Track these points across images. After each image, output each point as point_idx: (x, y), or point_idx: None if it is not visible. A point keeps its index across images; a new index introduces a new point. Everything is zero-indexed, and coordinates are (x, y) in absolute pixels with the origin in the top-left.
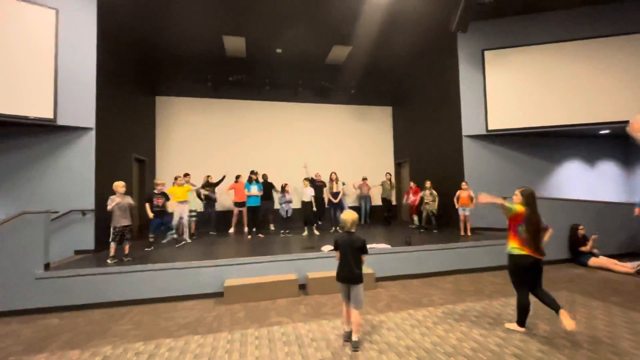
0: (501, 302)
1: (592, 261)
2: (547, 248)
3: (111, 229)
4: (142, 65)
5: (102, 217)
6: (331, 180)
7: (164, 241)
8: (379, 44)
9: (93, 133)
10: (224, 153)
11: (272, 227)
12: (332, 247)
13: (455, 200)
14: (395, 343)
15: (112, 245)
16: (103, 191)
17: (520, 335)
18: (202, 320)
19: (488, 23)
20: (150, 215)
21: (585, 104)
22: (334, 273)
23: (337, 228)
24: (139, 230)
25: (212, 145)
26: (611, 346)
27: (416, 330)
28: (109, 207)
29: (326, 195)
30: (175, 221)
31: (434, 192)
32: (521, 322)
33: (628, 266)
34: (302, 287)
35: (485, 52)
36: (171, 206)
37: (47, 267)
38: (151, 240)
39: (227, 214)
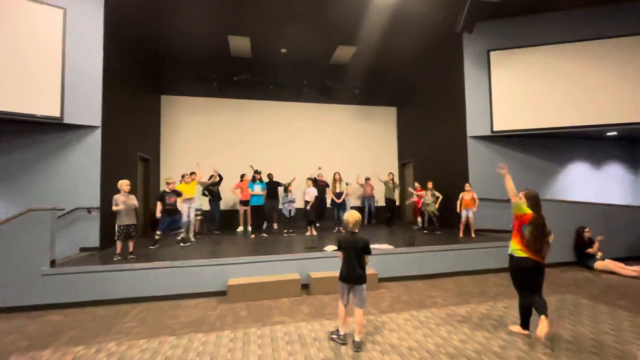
0: (505, 304)
1: (598, 264)
2: (552, 251)
3: (116, 227)
4: (147, 65)
5: (108, 214)
6: (335, 180)
7: (179, 238)
8: (384, 44)
9: (99, 131)
10: (229, 152)
11: (275, 226)
12: (335, 247)
13: (458, 202)
14: (398, 344)
15: (118, 243)
16: (108, 189)
17: (524, 338)
18: (205, 318)
19: (494, 23)
20: (159, 214)
21: (592, 105)
22: (336, 273)
23: (341, 228)
24: (143, 229)
25: (216, 145)
26: (617, 350)
27: (419, 331)
28: (114, 208)
29: (329, 196)
30: (184, 220)
31: (436, 193)
32: (525, 324)
33: (634, 270)
34: (305, 287)
35: (491, 53)
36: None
37: (53, 263)
38: (157, 237)
39: (230, 213)
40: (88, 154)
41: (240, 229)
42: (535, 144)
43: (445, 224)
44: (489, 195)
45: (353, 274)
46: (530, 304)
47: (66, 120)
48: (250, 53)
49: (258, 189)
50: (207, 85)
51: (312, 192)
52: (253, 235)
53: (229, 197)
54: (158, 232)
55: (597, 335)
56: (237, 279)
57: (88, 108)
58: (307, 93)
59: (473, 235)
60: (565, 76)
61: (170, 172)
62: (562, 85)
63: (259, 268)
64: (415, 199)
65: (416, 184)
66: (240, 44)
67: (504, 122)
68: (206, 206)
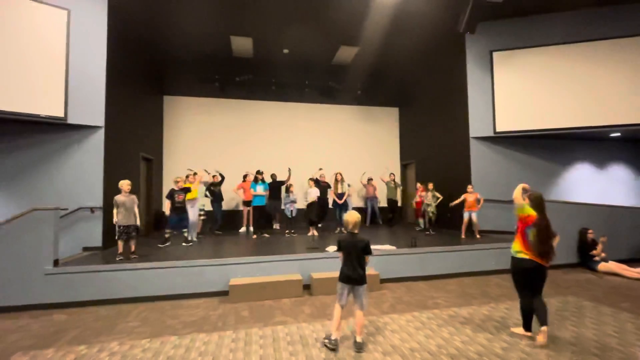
0: (507, 305)
1: (602, 266)
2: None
3: (116, 227)
4: (150, 65)
5: (110, 214)
6: (336, 181)
7: (185, 236)
8: (386, 45)
9: (102, 131)
10: (231, 152)
11: (277, 226)
12: (337, 248)
13: (457, 201)
14: (400, 345)
15: (119, 243)
16: (111, 189)
17: (527, 340)
18: (207, 318)
19: (496, 24)
20: (167, 212)
21: (596, 106)
22: (337, 274)
23: (343, 229)
24: (146, 228)
25: (218, 145)
26: (621, 352)
27: (421, 332)
28: (114, 221)
29: (331, 196)
30: (191, 220)
31: (437, 194)
32: (527, 326)
33: (638, 271)
34: (307, 288)
35: (494, 53)
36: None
37: (56, 263)
38: (167, 236)
39: (232, 213)
40: (91, 154)
41: (243, 229)
42: (538, 145)
43: (447, 225)
44: (490, 196)
45: (354, 275)
46: (532, 306)
47: (70, 121)
48: (252, 54)
49: (260, 190)
50: (209, 85)
51: (314, 193)
52: (255, 236)
53: (231, 197)
54: (167, 231)
55: (600, 337)
56: (239, 279)
57: (91, 108)
58: (309, 94)
59: (478, 236)
60: (568, 77)
61: (173, 172)
62: (565, 86)
63: (261, 268)
64: (418, 199)
65: (418, 185)
66: (242, 44)
67: (506, 123)
68: (208, 206)
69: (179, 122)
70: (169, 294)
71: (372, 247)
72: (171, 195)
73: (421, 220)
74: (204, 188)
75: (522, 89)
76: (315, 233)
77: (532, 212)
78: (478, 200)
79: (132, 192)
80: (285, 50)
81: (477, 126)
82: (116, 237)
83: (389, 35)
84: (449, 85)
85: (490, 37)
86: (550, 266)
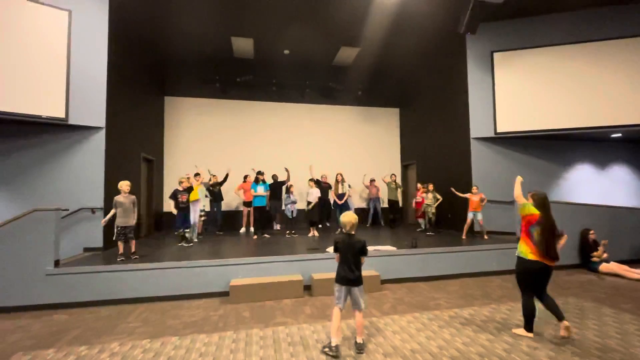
0: (509, 306)
1: (603, 267)
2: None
3: (114, 228)
4: (151, 66)
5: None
6: (337, 181)
7: (188, 236)
8: (387, 46)
9: (103, 132)
10: (231, 153)
11: (278, 227)
12: (333, 249)
13: (461, 194)
14: (401, 346)
15: (119, 243)
16: (112, 190)
17: (528, 341)
18: (208, 319)
19: (497, 24)
20: (175, 211)
21: (597, 106)
22: None
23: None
24: (147, 228)
25: (219, 146)
26: (622, 354)
27: (422, 333)
28: (102, 221)
29: (332, 197)
30: (193, 221)
31: (437, 195)
32: (529, 327)
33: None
34: (307, 288)
35: (495, 54)
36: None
37: (57, 263)
38: (182, 235)
39: (233, 214)
40: (92, 155)
41: (243, 230)
42: (539, 146)
43: (448, 226)
44: (491, 197)
45: (351, 276)
46: (534, 309)
47: (71, 121)
48: (253, 54)
49: (261, 190)
50: (210, 86)
51: (315, 193)
52: (255, 236)
53: (232, 198)
54: (185, 230)
55: (601, 338)
56: (240, 280)
57: (92, 109)
58: (309, 94)
59: (485, 237)
60: (569, 77)
61: (174, 173)
62: (566, 86)
63: (262, 269)
64: (419, 199)
65: (418, 185)
66: (243, 45)
67: (507, 124)
68: (208, 207)
69: (179, 122)
70: (170, 294)
71: (373, 247)
72: (175, 195)
73: (422, 221)
74: (205, 189)
75: (523, 89)
76: (316, 234)
77: (535, 211)
78: (482, 200)
79: (132, 192)
80: (286, 51)
81: (478, 127)
82: (114, 238)
83: (389, 35)
84: (449, 86)
85: (491, 37)
86: (552, 268)
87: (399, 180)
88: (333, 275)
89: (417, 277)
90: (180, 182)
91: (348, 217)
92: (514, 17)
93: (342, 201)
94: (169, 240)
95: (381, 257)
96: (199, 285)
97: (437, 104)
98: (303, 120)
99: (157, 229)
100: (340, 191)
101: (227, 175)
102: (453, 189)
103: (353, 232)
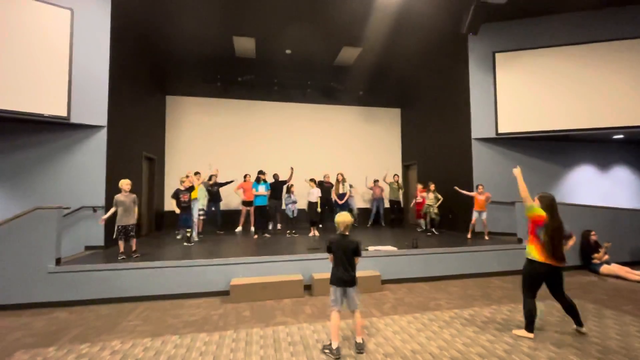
0: (510, 307)
1: (604, 269)
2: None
3: (115, 227)
4: (153, 65)
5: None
6: (338, 181)
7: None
8: (389, 46)
9: (105, 131)
10: (233, 152)
11: (278, 226)
12: (326, 249)
13: (465, 192)
14: (401, 346)
15: (120, 242)
16: (114, 188)
17: (529, 342)
18: (208, 318)
19: (499, 25)
20: (178, 211)
21: (598, 107)
22: None
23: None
24: (148, 227)
25: (220, 145)
26: (623, 356)
27: (422, 334)
28: (100, 219)
29: (334, 197)
30: (195, 218)
31: (438, 195)
32: (529, 327)
33: None
34: (308, 288)
35: (496, 54)
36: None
37: (58, 262)
38: (188, 235)
39: (232, 213)
40: (94, 153)
41: (239, 229)
42: (541, 147)
43: (449, 226)
44: (492, 197)
45: (346, 277)
46: (535, 309)
47: (73, 120)
48: (254, 54)
49: (262, 190)
50: (212, 85)
51: (316, 193)
52: (256, 236)
53: (232, 197)
54: (186, 230)
55: (602, 340)
56: (240, 279)
57: (94, 108)
58: (311, 94)
59: (487, 237)
60: (571, 78)
61: (175, 172)
62: (568, 87)
63: (262, 268)
64: (419, 200)
65: (418, 186)
66: (245, 44)
67: (509, 124)
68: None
69: (181, 121)
70: (171, 293)
71: (374, 247)
72: (176, 195)
73: (422, 221)
74: (205, 188)
75: (525, 90)
76: (317, 233)
77: (542, 213)
78: (487, 199)
79: (133, 191)
80: (288, 51)
81: (479, 127)
82: (114, 237)
83: (391, 36)
84: (451, 86)
85: (492, 38)
86: (561, 269)
87: (400, 180)
88: None
89: (417, 277)
90: (182, 182)
91: (342, 218)
92: (516, 17)
93: (343, 201)
94: (169, 239)
95: (382, 257)
96: (200, 284)
97: (438, 104)
98: (304, 120)
99: (158, 228)
100: (340, 191)
101: (229, 182)
102: (457, 188)
103: (347, 233)
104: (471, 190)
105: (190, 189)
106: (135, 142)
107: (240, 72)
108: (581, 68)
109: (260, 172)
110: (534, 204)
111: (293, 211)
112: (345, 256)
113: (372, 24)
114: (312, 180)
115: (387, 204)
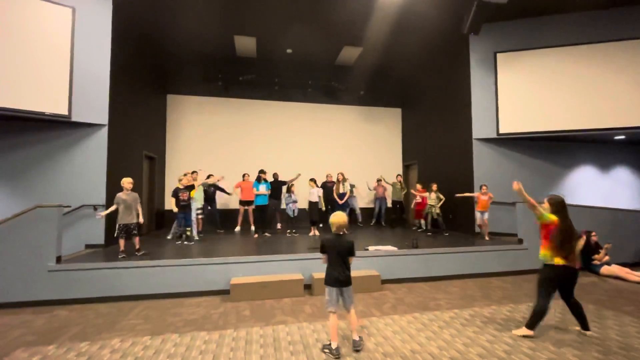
0: (510, 308)
1: (605, 269)
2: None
3: (116, 225)
4: (154, 64)
5: (113, 212)
6: (338, 181)
7: (187, 234)
8: (390, 46)
9: (106, 129)
10: (233, 152)
11: (278, 226)
12: (320, 249)
13: (467, 194)
14: (401, 346)
15: (120, 241)
16: (114, 187)
17: (529, 342)
18: (208, 317)
19: (501, 25)
20: (175, 209)
21: (600, 108)
22: None
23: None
24: (148, 226)
25: (221, 144)
26: (623, 356)
27: (422, 334)
28: (98, 215)
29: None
30: (193, 218)
31: (440, 195)
32: (531, 325)
33: None
34: (308, 287)
35: (498, 55)
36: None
37: (59, 260)
38: (188, 234)
39: (231, 212)
40: (95, 152)
41: (238, 229)
42: (542, 147)
43: (449, 226)
44: (493, 198)
45: (342, 277)
46: (547, 312)
47: (74, 118)
48: (255, 53)
49: (263, 189)
50: (213, 84)
51: (316, 193)
52: (256, 235)
53: (230, 197)
54: (185, 229)
55: (602, 341)
56: (240, 278)
57: (95, 106)
58: (311, 94)
59: (487, 237)
60: (573, 79)
61: (175, 171)
62: (569, 87)
63: (262, 267)
64: (419, 199)
65: (418, 186)
66: (246, 44)
67: (510, 125)
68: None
69: (182, 120)
70: (171, 292)
71: (374, 247)
72: (176, 194)
73: (422, 222)
74: (203, 188)
75: (526, 90)
76: (317, 233)
77: (554, 218)
78: (490, 199)
79: (134, 190)
80: (289, 50)
81: (480, 127)
82: (115, 235)
83: (392, 35)
84: (452, 86)
85: (494, 38)
86: (578, 271)
87: (403, 180)
88: None
89: (417, 277)
90: (180, 180)
91: (336, 218)
92: (518, 17)
93: (343, 201)
94: (169, 238)
95: (382, 257)
96: (200, 283)
97: (439, 104)
98: (305, 120)
99: (158, 227)
100: (341, 191)
101: (227, 193)
102: (458, 195)
103: (341, 233)
104: (471, 191)
105: (190, 187)
106: (135, 140)
107: (241, 71)
108: (582, 68)
109: (261, 172)
110: (543, 211)
111: (294, 210)
112: (340, 256)
113: (373, 24)
114: (312, 180)
115: (389, 204)
